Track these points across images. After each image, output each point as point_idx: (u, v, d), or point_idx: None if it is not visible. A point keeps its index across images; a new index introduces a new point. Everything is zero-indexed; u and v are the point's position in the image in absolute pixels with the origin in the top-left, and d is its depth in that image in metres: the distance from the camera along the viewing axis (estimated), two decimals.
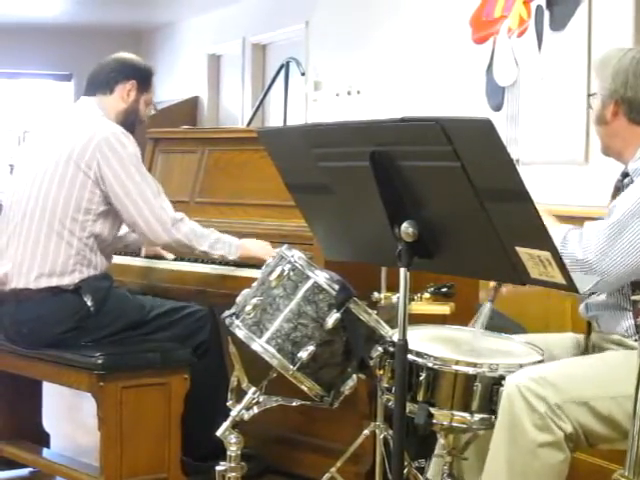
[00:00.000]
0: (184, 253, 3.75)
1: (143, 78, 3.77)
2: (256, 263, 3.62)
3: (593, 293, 2.75)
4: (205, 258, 3.77)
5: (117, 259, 4.04)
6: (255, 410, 2.75)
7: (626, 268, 2.50)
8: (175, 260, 3.98)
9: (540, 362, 2.50)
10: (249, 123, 5.03)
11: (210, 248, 3.62)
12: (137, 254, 4.12)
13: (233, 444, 2.74)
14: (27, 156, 3.73)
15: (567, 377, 2.43)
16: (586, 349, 2.82)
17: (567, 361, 2.62)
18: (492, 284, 2.78)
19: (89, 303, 3.51)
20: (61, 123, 3.72)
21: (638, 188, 2.59)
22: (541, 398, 2.35)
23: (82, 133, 3.56)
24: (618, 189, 2.76)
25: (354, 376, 2.71)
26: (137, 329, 3.62)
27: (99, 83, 3.72)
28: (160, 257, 4.04)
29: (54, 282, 3.50)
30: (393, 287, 2.87)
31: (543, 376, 2.39)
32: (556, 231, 2.51)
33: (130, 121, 3.73)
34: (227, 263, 3.78)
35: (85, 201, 3.51)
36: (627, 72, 2.70)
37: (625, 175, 2.74)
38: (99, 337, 3.56)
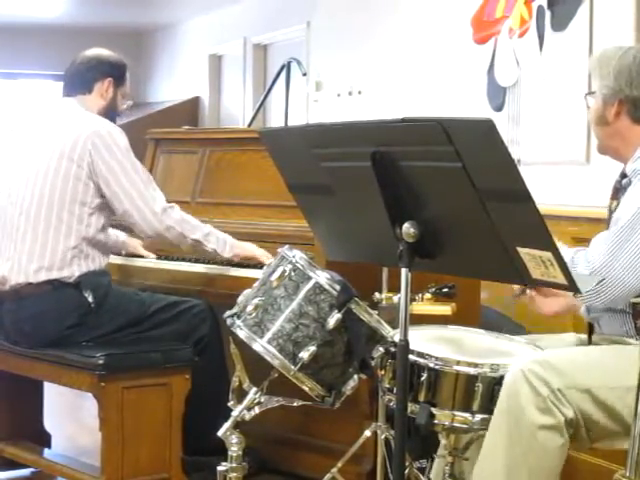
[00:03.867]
0: (175, 244, 3.73)
1: (119, 73, 3.84)
2: (252, 262, 3.70)
3: None
4: (196, 251, 3.76)
5: (115, 259, 4.05)
6: (256, 410, 2.76)
7: (635, 275, 2.48)
8: (175, 260, 3.99)
9: None
10: (250, 123, 5.02)
11: (203, 239, 3.65)
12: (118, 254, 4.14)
13: (234, 444, 2.74)
14: (16, 157, 3.75)
15: (571, 363, 2.44)
16: None
17: (572, 349, 2.63)
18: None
19: (90, 299, 3.54)
20: (47, 122, 3.76)
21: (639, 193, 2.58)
22: (544, 381, 2.36)
23: (72, 128, 3.61)
24: (617, 190, 2.75)
25: (355, 376, 2.72)
26: (138, 325, 3.65)
27: (78, 84, 3.79)
28: (139, 256, 4.09)
29: (54, 275, 3.52)
30: (394, 287, 2.87)
31: (547, 360, 2.40)
32: (564, 253, 2.51)
33: (111, 117, 3.78)
34: (229, 263, 3.80)
35: (80, 194, 3.55)
36: (630, 70, 2.67)
37: (624, 176, 2.73)
38: (100, 334, 3.58)
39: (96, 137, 3.57)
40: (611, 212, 2.74)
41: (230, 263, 3.80)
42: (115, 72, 3.82)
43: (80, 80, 3.78)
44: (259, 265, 3.58)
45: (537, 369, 2.37)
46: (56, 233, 3.54)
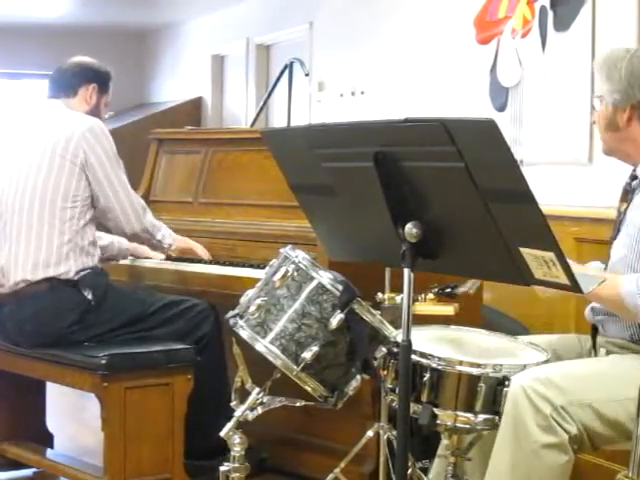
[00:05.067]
0: (139, 241, 3.89)
1: (103, 81, 3.92)
2: (192, 256, 3.95)
3: None
4: (156, 248, 3.90)
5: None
6: (259, 410, 2.75)
7: None
8: (178, 261, 3.99)
9: (545, 362, 2.49)
10: (253, 124, 5.02)
11: (162, 237, 3.83)
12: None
13: (237, 444, 2.74)
14: (8, 155, 3.77)
15: (572, 379, 2.42)
16: (591, 352, 2.80)
17: (572, 362, 2.61)
18: None
19: (89, 297, 3.55)
20: (37, 120, 3.79)
21: None
22: (546, 399, 2.34)
23: (65, 125, 3.66)
24: (627, 192, 2.73)
25: (358, 376, 2.72)
26: (138, 324, 3.66)
27: (63, 86, 3.84)
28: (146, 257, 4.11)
29: (51, 272, 3.53)
30: (397, 288, 2.87)
31: (548, 377, 2.38)
32: (621, 280, 2.52)
33: None
34: (231, 263, 3.81)
35: (72, 189, 3.59)
36: None
37: (634, 177, 2.71)
38: (100, 332, 3.59)
39: (89, 133, 3.62)
40: (620, 214, 2.73)
41: (232, 264, 3.82)
42: (99, 79, 3.89)
43: (65, 83, 3.84)
44: (262, 265, 3.59)
45: (538, 387, 2.35)
46: (50, 229, 3.56)
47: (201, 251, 3.97)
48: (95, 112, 3.85)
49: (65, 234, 3.56)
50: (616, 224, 2.74)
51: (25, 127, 3.82)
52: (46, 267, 3.54)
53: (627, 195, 2.72)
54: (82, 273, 3.57)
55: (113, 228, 3.75)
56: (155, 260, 4.04)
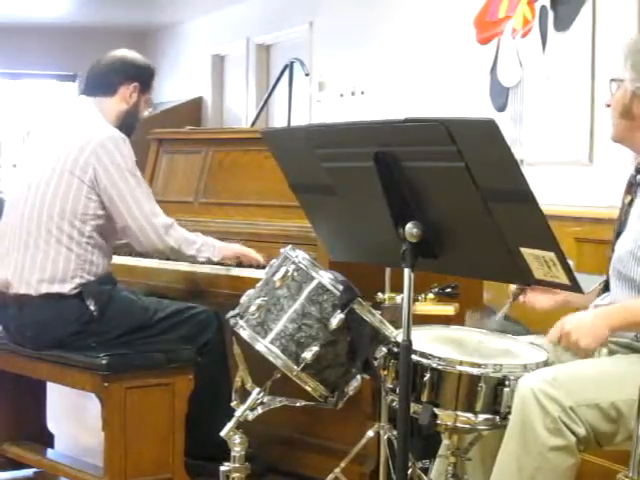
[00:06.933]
0: (171, 258, 3.78)
1: (145, 79, 3.73)
2: (241, 262, 3.75)
3: (605, 290, 2.73)
4: (192, 262, 3.79)
5: (123, 260, 4.05)
6: (259, 410, 2.76)
7: None
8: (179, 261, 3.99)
9: (545, 362, 2.49)
10: (253, 123, 5.02)
11: (197, 252, 3.65)
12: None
13: (237, 444, 2.74)
14: (27, 159, 3.71)
15: (580, 379, 2.41)
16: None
17: (579, 363, 2.60)
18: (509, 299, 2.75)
19: (92, 307, 3.50)
20: (59, 126, 3.69)
21: None
22: (555, 401, 2.32)
23: (78, 137, 3.53)
24: (631, 185, 2.73)
25: (358, 376, 2.72)
26: (141, 332, 3.61)
27: (100, 84, 3.66)
28: None
29: (55, 289, 3.48)
30: (397, 288, 2.87)
31: (556, 378, 2.37)
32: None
33: (130, 122, 3.70)
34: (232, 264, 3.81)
35: (81, 207, 3.49)
36: None
37: (639, 171, 2.71)
38: (103, 340, 3.55)
39: (101, 148, 3.48)
40: (624, 206, 2.73)
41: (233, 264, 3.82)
42: (142, 77, 3.71)
43: (104, 81, 3.66)
44: (262, 265, 3.59)
45: (546, 388, 2.33)
46: (58, 245, 3.49)
47: (255, 255, 3.74)
48: (134, 111, 3.69)
49: (73, 251, 3.48)
50: (621, 217, 2.74)
51: (47, 131, 3.71)
52: (50, 284, 3.48)
53: (632, 188, 2.72)
54: (86, 284, 3.51)
55: (135, 245, 3.63)
56: (157, 260, 4.03)
